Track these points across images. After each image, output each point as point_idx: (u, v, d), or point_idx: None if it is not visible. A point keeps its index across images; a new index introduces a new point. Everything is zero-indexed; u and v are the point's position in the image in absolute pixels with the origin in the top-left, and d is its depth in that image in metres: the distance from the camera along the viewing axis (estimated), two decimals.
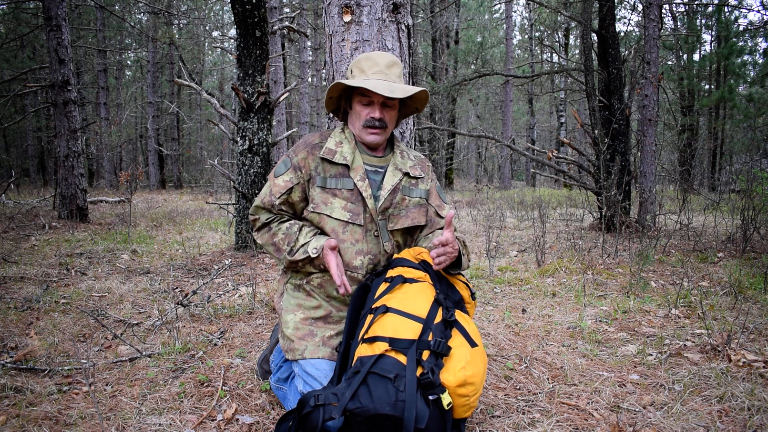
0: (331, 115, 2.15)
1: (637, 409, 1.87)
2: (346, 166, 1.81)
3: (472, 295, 1.80)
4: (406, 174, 1.88)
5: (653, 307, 3.15)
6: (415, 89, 1.76)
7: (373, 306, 1.61)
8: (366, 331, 1.55)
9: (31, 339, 2.59)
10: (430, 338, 1.49)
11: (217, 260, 4.74)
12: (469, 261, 1.86)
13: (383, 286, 1.66)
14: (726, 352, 2.32)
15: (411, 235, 1.93)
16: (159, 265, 4.51)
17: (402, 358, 1.46)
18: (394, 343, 1.48)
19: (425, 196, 1.91)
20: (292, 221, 1.83)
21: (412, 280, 1.67)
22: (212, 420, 1.83)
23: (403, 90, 1.73)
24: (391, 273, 1.71)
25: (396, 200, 1.84)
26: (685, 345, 2.49)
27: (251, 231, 1.88)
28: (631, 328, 2.79)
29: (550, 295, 3.52)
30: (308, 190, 1.81)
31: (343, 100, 1.90)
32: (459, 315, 1.62)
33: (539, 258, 4.43)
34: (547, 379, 2.15)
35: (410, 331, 1.50)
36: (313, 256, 1.73)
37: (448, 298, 1.70)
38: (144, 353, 2.39)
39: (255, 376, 2.16)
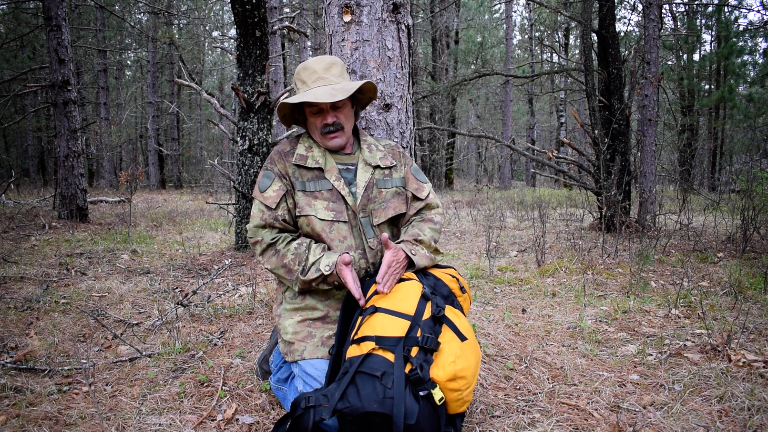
0: None
1: (637, 409, 1.87)
2: (320, 169, 1.84)
3: (462, 288, 1.81)
4: (377, 167, 1.90)
5: (653, 307, 3.15)
6: (356, 85, 1.77)
7: (363, 307, 1.63)
8: (356, 332, 1.57)
9: (31, 339, 2.59)
10: (418, 335, 1.51)
11: (217, 260, 4.74)
12: (433, 250, 1.84)
13: (373, 288, 1.68)
14: (726, 352, 2.32)
15: (396, 225, 1.96)
16: (159, 265, 4.51)
17: (389, 356, 1.47)
18: (381, 342, 1.49)
19: (402, 183, 1.94)
20: (299, 240, 1.80)
21: (401, 279, 1.70)
22: (212, 420, 1.83)
23: (343, 90, 1.75)
24: None
25: (373, 195, 1.86)
26: (685, 345, 2.48)
27: (254, 254, 1.89)
28: (631, 328, 2.79)
29: (550, 295, 3.52)
30: (294, 196, 1.83)
31: (296, 113, 1.94)
32: (449, 310, 1.64)
33: (539, 258, 4.43)
34: (547, 379, 2.15)
35: (397, 328, 1.52)
36: (326, 273, 1.70)
37: (436, 292, 1.70)
38: (144, 353, 2.39)
39: (255, 376, 2.16)
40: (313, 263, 1.73)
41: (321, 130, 1.83)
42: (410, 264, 1.75)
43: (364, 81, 1.83)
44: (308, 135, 1.93)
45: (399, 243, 1.77)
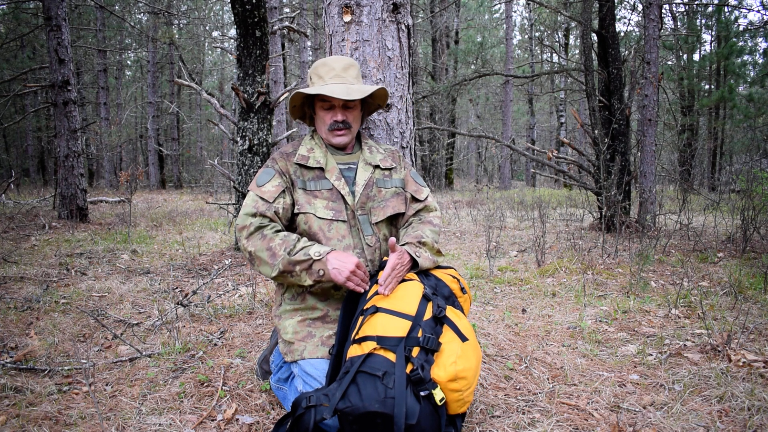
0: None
1: (637, 409, 1.87)
2: (321, 169, 1.86)
3: (463, 289, 1.81)
4: (377, 167, 1.92)
5: (653, 307, 3.15)
6: (372, 88, 1.83)
7: (364, 307, 1.63)
8: (357, 332, 1.57)
9: (31, 339, 2.59)
10: (419, 335, 1.51)
11: (217, 260, 4.74)
12: (435, 251, 1.84)
13: (374, 288, 1.68)
14: (726, 352, 2.32)
15: (395, 225, 1.97)
16: (159, 265, 4.51)
17: (391, 356, 1.47)
18: (382, 341, 1.50)
19: (401, 184, 1.96)
20: (288, 233, 1.78)
21: (402, 279, 1.70)
22: (212, 420, 1.83)
23: (359, 91, 1.80)
24: (381, 274, 1.72)
25: (372, 193, 1.88)
26: (685, 345, 2.49)
27: (239, 240, 1.84)
28: (631, 328, 2.79)
29: (550, 295, 3.52)
30: (293, 193, 1.84)
31: (306, 107, 1.97)
32: (450, 310, 1.64)
33: (539, 258, 4.43)
34: (547, 379, 2.15)
35: (399, 328, 1.52)
36: (315, 258, 1.66)
37: (437, 293, 1.71)
38: (144, 353, 2.39)
39: (255, 376, 2.16)
40: (303, 248, 1.70)
41: (329, 126, 1.86)
42: (414, 265, 1.76)
43: (379, 87, 1.86)
44: (310, 138, 1.95)
45: (403, 245, 1.77)
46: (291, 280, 1.71)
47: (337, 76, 1.84)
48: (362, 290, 1.69)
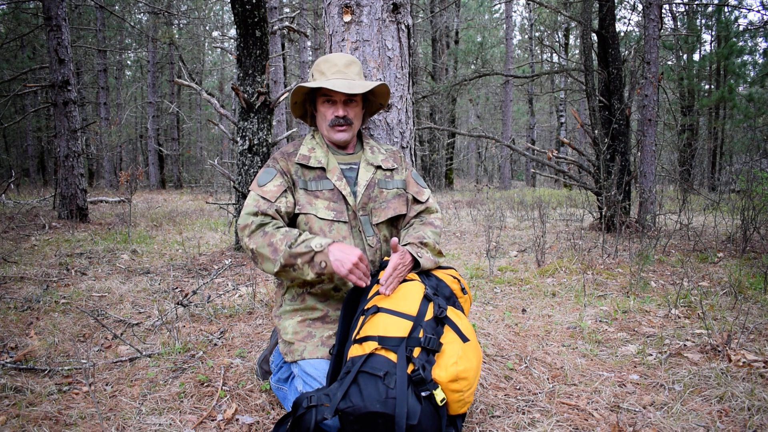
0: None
1: (637, 409, 1.87)
2: (323, 169, 1.85)
3: (463, 289, 1.81)
4: (379, 167, 1.92)
5: (653, 307, 3.15)
6: (374, 83, 1.83)
7: (365, 307, 1.63)
8: (358, 332, 1.57)
9: (31, 339, 2.59)
10: (420, 335, 1.51)
11: (217, 260, 4.74)
12: (437, 252, 1.84)
13: (375, 288, 1.67)
14: (726, 352, 2.32)
15: (396, 226, 1.97)
16: (159, 265, 4.51)
17: (392, 356, 1.47)
18: (384, 342, 1.49)
19: (402, 186, 1.96)
20: (290, 228, 1.77)
21: (403, 279, 1.70)
22: (212, 420, 1.83)
23: (361, 86, 1.79)
24: (382, 274, 1.72)
25: (374, 194, 1.87)
26: (685, 345, 2.49)
27: (241, 240, 1.83)
28: (631, 328, 2.79)
29: (550, 295, 3.52)
30: (294, 193, 1.83)
31: (308, 104, 1.97)
32: (451, 311, 1.64)
33: (539, 258, 4.43)
34: (547, 379, 2.15)
35: (400, 329, 1.52)
36: (316, 249, 1.64)
37: (438, 293, 1.71)
38: (144, 353, 2.39)
39: (255, 376, 2.16)
40: (304, 240, 1.68)
41: (330, 122, 1.85)
42: (415, 265, 1.75)
43: (380, 82, 1.85)
44: (311, 137, 1.94)
45: (405, 245, 1.77)
46: (293, 274, 1.68)
47: (339, 72, 1.83)
48: (363, 285, 1.67)
